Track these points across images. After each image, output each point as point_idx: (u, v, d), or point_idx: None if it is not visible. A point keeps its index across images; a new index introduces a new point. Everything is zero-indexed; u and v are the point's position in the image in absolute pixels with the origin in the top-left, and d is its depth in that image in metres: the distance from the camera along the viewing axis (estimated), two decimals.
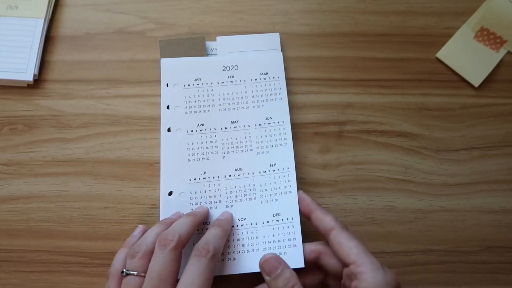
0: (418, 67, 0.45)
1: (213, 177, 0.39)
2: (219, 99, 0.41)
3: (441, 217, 0.41)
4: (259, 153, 0.40)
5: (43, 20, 0.44)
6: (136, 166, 0.41)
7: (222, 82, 0.42)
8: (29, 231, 0.40)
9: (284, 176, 0.39)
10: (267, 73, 0.42)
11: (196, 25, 0.45)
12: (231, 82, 0.42)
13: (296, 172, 0.41)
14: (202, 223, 0.38)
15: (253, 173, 0.39)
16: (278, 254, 0.36)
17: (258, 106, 0.41)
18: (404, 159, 0.42)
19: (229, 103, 0.41)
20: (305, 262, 0.36)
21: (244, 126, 0.41)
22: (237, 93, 0.41)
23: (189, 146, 0.40)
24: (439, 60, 0.45)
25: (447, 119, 0.43)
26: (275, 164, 0.40)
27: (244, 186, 0.39)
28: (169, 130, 0.40)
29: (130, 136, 0.42)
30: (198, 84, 0.41)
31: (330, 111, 0.43)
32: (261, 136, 0.40)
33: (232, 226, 0.38)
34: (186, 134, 0.40)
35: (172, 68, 0.42)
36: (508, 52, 0.45)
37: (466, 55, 0.45)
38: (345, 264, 0.32)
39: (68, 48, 0.44)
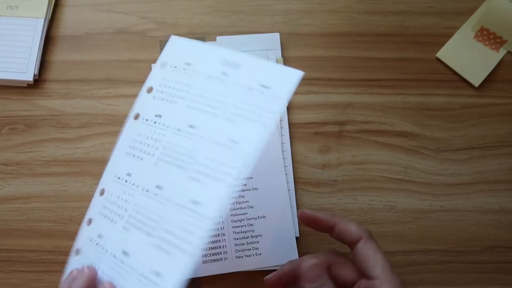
0: (418, 67, 0.44)
1: (132, 184, 0.32)
2: (194, 94, 0.33)
3: (441, 217, 0.41)
4: (192, 178, 0.30)
5: (43, 20, 0.44)
6: None
7: (210, 76, 0.33)
8: (29, 231, 0.40)
9: (194, 219, 0.29)
10: (268, 88, 0.31)
11: (196, 25, 0.45)
12: (221, 79, 0.33)
13: (296, 172, 0.41)
14: None
15: (169, 201, 0.30)
16: None
17: (231, 120, 0.31)
18: (404, 159, 0.42)
19: (201, 103, 0.32)
20: (316, 272, 0.33)
21: (198, 136, 0.31)
22: (218, 94, 0.32)
23: (136, 137, 0.33)
24: (439, 60, 0.45)
25: (447, 119, 0.43)
26: (197, 202, 0.29)
27: (152, 213, 0.30)
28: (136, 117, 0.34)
29: None
30: (184, 69, 0.34)
31: (330, 111, 0.43)
32: (210, 159, 0.30)
33: None
34: (141, 122, 0.33)
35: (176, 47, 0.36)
36: (508, 52, 0.45)
37: (466, 55, 0.45)
38: (367, 277, 0.31)
39: (68, 48, 0.44)
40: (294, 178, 0.41)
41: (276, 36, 0.44)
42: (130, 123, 0.34)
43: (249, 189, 0.40)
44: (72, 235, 0.40)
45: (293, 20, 0.45)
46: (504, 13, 0.45)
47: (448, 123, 0.43)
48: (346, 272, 0.33)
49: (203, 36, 0.44)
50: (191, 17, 0.45)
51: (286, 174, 0.41)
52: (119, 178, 0.33)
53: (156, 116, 0.33)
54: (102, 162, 0.41)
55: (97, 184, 0.41)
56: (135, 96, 0.43)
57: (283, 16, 0.45)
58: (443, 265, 0.40)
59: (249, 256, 0.38)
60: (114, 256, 0.30)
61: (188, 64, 0.34)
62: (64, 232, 0.40)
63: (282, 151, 0.41)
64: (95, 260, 0.31)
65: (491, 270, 0.40)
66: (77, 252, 0.32)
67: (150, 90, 0.34)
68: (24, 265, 0.39)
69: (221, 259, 0.38)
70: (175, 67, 0.34)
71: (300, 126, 0.43)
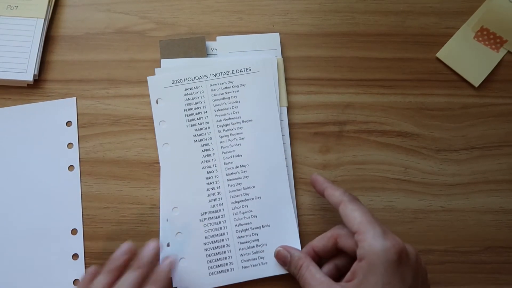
0: (418, 67, 0.44)
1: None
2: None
3: (441, 217, 0.41)
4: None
5: (43, 20, 0.44)
6: (136, 166, 0.41)
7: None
8: None
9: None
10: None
11: (196, 25, 0.45)
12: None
13: (296, 172, 0.41)
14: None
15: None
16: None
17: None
18: (404, 159, 0.42)
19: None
20: (326, 249, 0.36)
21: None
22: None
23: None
24: (439, 60, 0.45)
25: (447, 119, 0.43)
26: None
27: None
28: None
29: (130, 136, 0.42)
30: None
31: (330, 111, 0.43)
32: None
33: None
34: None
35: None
36: (508, 52, 0.45)
37: (466, 55, 0.45)
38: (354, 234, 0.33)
39: (68, 48, 0.44)
40: (294, 178, 0.41)
41: (276, 36, 0.44)
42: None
43: (252, 199, 0.39)
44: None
45: (293, 20, 0.45)
46: (504, 13, 0.45)
47: (448, 123, 0.43)
48: (350, 242, 0.34)
49: (203, 36, 0.44)
50: (191, 17, 0.45)
51: (289, 182, 0.40)
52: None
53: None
54: (102, 162, 0.41)
55: (97, 184, 0.41)
56: (135, 96, 0.43)
57: (283, 16, 0.45)
58: (443, 265, 0.40)
59: (255, 265, 0.38)
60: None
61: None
62: None
63: (285, 158, 0.41)
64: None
65: (491, 270, 0.40)
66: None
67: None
68: None
69: (228, 270, 0.38)
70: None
71: (300, 126, 0.43)
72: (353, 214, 0.33)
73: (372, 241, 0.30)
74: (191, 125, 0.41)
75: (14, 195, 0.40)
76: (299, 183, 0.41)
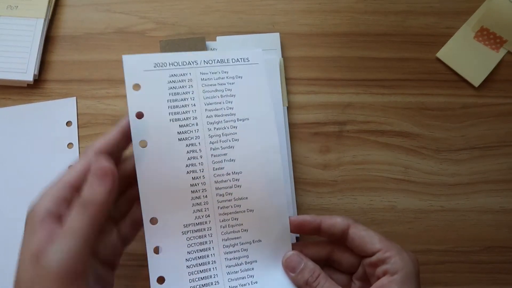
0: (418, 67, 0.44)
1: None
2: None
3: (441, 217, 0.41)
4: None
5: (43, 20, 0.44)
6: None
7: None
8: None
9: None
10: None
11: (196, 25, 0.45)
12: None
13: (296, 172, 0.41)
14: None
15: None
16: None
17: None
18: (404, 159, 0.42)
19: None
20: (317, 258, 0.34)
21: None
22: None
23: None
24: (439, 60, 0.45)
25: (447, 119, 0.43)
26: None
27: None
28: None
29: None
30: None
31: (330, 111, 0.43)
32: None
33: None
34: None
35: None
36: (508, 52, 0.45)
37: (466, 55, 0.45)
38: (367, 255, 0.33)
39: (68, 48, 0.44)
40: (294, 178, 0.41)
41: (276, 36, 0.44)
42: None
43: (244, 211, 0.34)
44: None
45: (293, 20, 0.45)
46: (504, 13, 0.45)
47: (448, 123, 0.43)
48: (347, 256, 0.34)
49: (203, 36, 0.44)
50: (191, 17, 0.45)
51: (290, 189, 0.39)
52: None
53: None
54: None
55: None
56: None
57: (283, 16, 0.45)
58: (443, 265, 0.40)
59: (244, 285, 0.34)
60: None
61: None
62: None
63: (287, 161, 0.40)
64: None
65: (491, 270, 0.40)
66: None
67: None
68: None
69: None
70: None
71: (300, 126, 0.43)
72: (369, 234, 0.33)
73: (400, 256, 0.32)
74: (176, 120, 0.34)
75: (14, 195, 0.40)
76: (299, 183, 0.41)
